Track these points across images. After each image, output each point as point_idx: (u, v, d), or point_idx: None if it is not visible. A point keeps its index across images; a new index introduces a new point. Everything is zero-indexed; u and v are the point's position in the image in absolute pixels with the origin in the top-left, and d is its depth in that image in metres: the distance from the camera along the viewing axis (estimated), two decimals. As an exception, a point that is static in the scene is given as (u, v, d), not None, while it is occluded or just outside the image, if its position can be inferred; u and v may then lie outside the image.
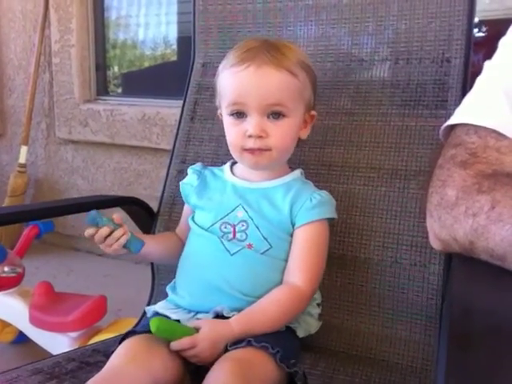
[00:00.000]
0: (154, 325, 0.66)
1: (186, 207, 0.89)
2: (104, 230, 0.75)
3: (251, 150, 0.76)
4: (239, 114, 0.76)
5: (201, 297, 0.76)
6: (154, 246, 0.85)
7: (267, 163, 0.78)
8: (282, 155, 0.79)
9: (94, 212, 0.75)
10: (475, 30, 1.81)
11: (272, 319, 0.72)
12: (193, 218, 0.83)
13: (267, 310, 0.72)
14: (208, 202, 0.81)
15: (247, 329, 0.70)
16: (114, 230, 0.76)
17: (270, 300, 0.73)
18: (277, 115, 0.75)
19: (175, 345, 0.67)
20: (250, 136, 0.75)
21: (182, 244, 0.85)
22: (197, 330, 0.69)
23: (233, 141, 0.78)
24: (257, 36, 0.84)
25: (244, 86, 0.75)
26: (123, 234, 0.76)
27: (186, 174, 0.88)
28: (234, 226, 0.77)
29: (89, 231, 0.75)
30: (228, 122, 0.78)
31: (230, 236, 0.77)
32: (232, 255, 0.76)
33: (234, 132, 0.77)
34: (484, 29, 1.83)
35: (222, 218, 0.78)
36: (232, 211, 0.78)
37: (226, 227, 0.78)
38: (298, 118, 0.78)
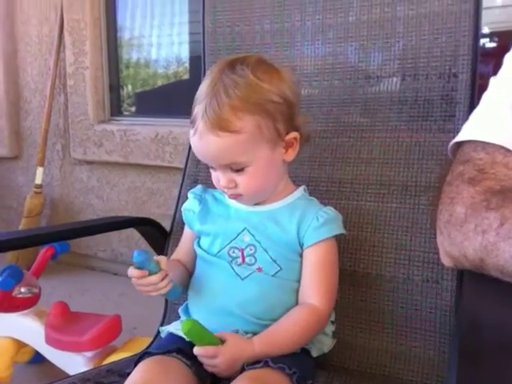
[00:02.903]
0: (186, 326, 0.67)
1: (186, 231, 0.88)
2: (155, 278, 0.71)
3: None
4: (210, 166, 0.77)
5: (213, 322, 0.75)
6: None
7: (247, 203, 0.79)
8: (260, 194, 0.78)
9: (144, 254, 0.69)
10: (486, 41, 1.81)
11: (293, 340, 0.73)
12: (198, 243, 0.82)
13: (288, 332, 0.73)
14: (212, 226, 0.80)
15: (268, 350, 0.71)
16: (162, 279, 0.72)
17: (290, 321, 0.73)
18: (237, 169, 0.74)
19: (199, 350, 0.69)
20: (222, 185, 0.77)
21: (187, 272, 0.84)
22: (222, 341, 0.70)
23: (214, 183, 0.79)
24: (223, 59, 0.77)
25: (198, 152, 0.76)
26: (167, 285, 0.73)
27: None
28: (241, 251, 0.77)
29: (135, 273, 0.70)
30: None
31: (239, 261, 0.77)
32: (243, 279, 0.76)
33: (213, 176, 0.78)
34: (495, 39, 1.83)
35: (229, 243, 0.78)
36: (238, 235, 0.78)
37: (234, 252, 0.77)
38: (265, 159, 0.74)
